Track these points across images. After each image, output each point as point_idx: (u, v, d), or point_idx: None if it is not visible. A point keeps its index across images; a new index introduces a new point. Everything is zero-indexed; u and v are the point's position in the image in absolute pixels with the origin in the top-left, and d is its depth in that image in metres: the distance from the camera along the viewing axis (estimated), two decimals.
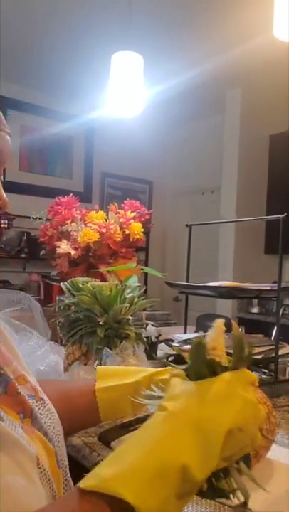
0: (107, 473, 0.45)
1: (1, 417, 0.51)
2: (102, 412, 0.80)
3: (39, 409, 0.62)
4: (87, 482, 0.45)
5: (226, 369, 0.54)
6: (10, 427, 0.51)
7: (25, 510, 0.45)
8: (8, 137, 0.67)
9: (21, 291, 1.49)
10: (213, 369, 0.54)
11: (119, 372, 0.85)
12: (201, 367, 0.54)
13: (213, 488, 0.52)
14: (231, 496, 0.53)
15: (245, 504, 0.52)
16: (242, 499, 0.52)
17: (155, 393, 0.60)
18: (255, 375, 0.56)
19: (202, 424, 0.49)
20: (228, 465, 0.51)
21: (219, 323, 0.58)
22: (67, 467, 0.64)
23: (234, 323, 0.58)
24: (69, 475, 0.63)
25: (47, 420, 0.62)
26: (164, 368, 0.84)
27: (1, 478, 0.45)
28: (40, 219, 1.74)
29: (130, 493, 0.43)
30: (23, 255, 4.20)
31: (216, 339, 0.56)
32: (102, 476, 0.45)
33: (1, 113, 0.68)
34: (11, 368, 0.63)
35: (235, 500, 0.53)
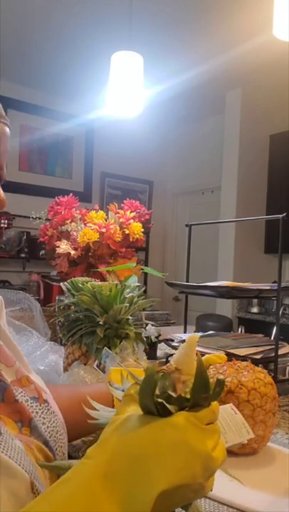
0: None
1: (0, 432, 0.49)
2: None
3: (42, 412, 0.60)
4: None
5: (186, 403, 0.45)
6: (8, 440, 0.49)
7: None
8: (7, 128, 0.63)
9: (21, 291, 1.50)
10: (163, 409, 0.44)
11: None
12: (149, 405, 0.45)
13: None
14: None
15: None
16: None
17: (107, 410, 0.54)
18: (216, 410, 0.47)
19: (127, 486, 0.41)
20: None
21: (192, 338, 0.49)
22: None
23: (191, 341, 0.48)
24: None
25: (50, 425, 0.61)
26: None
27: None
28: (40, 219, 1.74)
29: None
30: (23, 255, 4.20)
31: (183, 360, 0.47)
32: None
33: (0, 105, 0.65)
34: (14, 369, 0.62)
35: None
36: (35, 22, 3.28)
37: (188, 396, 0.45)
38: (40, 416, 0.60)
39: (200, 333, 0.53)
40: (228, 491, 0.71)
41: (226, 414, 0.57)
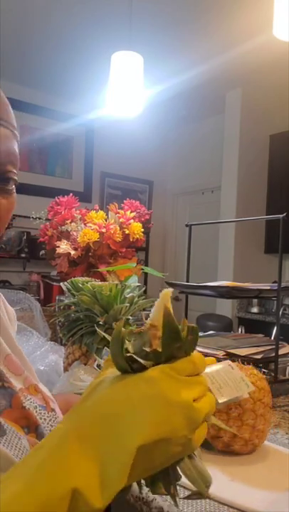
0: None
1: (4, 430, 0.50)
2: None
3: (50, 420, 0.61)
4: None
5: (159, 357, 0.43)
6: (13, 440, 0.50)
7: None
8: (4, 130, 0.59)
9: (21, 291, 1.50)
10: (137, 365, 0.43)
11: None
12: (121, 362, 0.44)
13: (155, 485, 0.44)
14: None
15: (200, 493, 0.44)
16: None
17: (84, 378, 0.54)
18: (197, 360, 0.45)
19: (102, 445, 0.40)
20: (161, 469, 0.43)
21: (165, 293, 0.46)
22: None
23: (165, 296, 0.46)
24: None
25: None
26: None
27: None
28: (40, 219, 1.74)
29: None
30: (23, 255, 4.20)
31: (158, 316, 0.44)
32: None
33: (9, 107, 0.63)
34: (23, 378, 0.62)
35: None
36: (35, 22, 3.28)
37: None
38: (47, 423, 0.60)
39: (171, 289, 0.50)
40: (228, 491, 0.71)
41: (223, 371, 0.56)
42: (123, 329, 0.44)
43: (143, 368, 0.43)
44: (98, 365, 1.07)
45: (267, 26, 1.77)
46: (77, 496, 0.38)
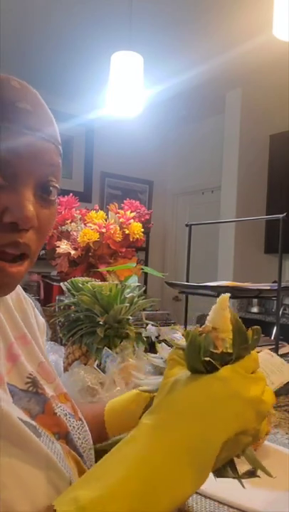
0: (86, 497, 0.41)
1: (39, 433, 0.50)
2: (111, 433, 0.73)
3: (78, 429, 0.61)
4: (62, 506, 0.41)
5: (229, 357, 0.49)
6: (46, 444, 0.50)
7: None
8: (51, 145, 0.57)
9: None
10: (210, 366, 0.48)
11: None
12: (197, 365, 0.49)
13: (224, 470, 0.50)
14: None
15: (253, 472, 0.51)
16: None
17: (153, 378, 0.57)
18: (256, 357, 0.50)
19: (192, 443, 0.44)
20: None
21: (223, 298, 0.52)
22: None
23: (223, 301, 0.52)
24: None
25: (84, 441, 0.62)
26: None
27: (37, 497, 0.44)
28: None
29: None
30: None
31: (218, 319, 0.50)
32: (80, 500, 0.41)
33: (54, 123, 0.62)
34: (54, 385, 0.63)
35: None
36: (35, 22, 3.28)
37: (230, 350, 0.49)
38: (76, 431, 0.61)
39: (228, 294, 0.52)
40: (228, 490, 0.71)
41: (264, 360, 0.59)
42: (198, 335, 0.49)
43: (214, 368, 0.48)
44: (98, 365, 1.07)
45: (267, 26, 1.77)
46: (175, 491, 0.43)
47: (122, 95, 2.18)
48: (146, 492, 0.42)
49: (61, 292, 1.31)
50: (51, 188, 0.57)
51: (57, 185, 0.58)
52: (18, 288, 0.68)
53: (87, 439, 0.63)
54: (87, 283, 1.18)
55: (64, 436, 0.57)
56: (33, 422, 0.52)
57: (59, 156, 0.59)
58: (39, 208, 0.55)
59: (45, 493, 0.45)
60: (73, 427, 0.61)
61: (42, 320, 0.74)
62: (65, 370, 1.17)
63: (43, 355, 0.66)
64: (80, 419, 0.64)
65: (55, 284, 1.93)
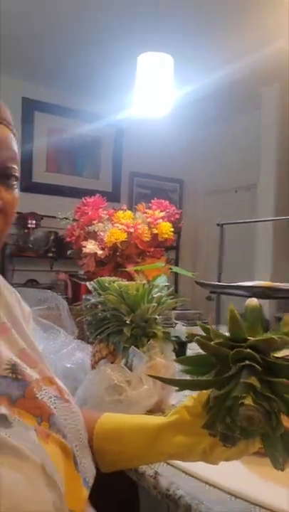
0: None
1: (10, 423, 0.52)
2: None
3: (65, 410, 0.63)
4: None
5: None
6: (19, 432, 0.52)
7: None
8: (5, 128, 0.63)
9: (48, 290, 1.51)
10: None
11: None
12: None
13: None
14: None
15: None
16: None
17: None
18: None
19: None
20: None
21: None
22: (94, 470, 0.65)
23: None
24: (90, 478, 0.63)
25: (71, 422, 0.63)
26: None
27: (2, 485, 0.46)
28: (67, 219, 1.75)
29: None
30: (50, 254, 4.24)
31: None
32: None
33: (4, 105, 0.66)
34: (37, 370, 0.65)
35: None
36: (62, 24, 3.31)
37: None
38: (62, 412, 0.62)
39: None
40: (258, 491, 0.71)
41: None
42: None
43: None
44: (125, 364, 1.07)
45: None
46: None
47: (150, 96, 2.18)
48: None
49: (89, 291, 1.32)
50: (11, 172, 0.61)
51: (17, 173, 0.63)
52: None
53: (75, 419, 0.64)
54: (113, 282, 1.18)
55: (46, 418, 0.59)
56: (5, 411, 0.53)
57: (14, 140, 0.64)
58: (3, 191, 0.61)
59: (10, 480, 0.48)
60: (59, 408, 0.62)
61: (27, 308, 0.77)
62: (92, 367, 1.17)
63: (28, 342, 0.68)
64: (68, 401, 0.65)
65: (82, 283, 1.94)
